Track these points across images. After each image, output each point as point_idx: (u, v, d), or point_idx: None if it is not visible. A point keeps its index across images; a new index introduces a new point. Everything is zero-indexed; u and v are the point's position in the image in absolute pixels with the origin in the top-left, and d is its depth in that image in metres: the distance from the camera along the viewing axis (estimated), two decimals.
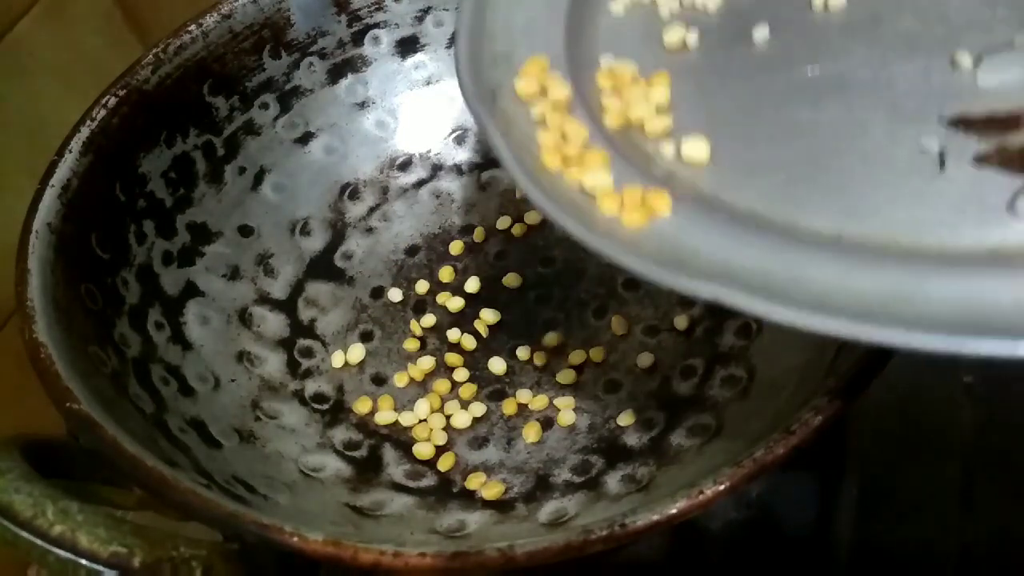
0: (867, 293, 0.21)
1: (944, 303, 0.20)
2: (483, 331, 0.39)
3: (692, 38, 0.28)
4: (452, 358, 0.38)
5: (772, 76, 0.26)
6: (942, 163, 0.23)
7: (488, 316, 0.39)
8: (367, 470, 0.35)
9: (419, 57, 0.43)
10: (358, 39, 0.42)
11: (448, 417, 0.36)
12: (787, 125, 0.25)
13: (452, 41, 0.43)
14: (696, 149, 0.25)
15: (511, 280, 0.40)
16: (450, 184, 0.43)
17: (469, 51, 0.28)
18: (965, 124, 0.24)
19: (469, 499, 0.33)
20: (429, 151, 0.44)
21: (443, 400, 0.37)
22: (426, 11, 0.43)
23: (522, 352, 0.38)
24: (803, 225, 0.23)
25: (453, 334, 0.39)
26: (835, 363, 0.29)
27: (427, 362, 0.38)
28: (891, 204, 0.23)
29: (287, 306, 0.40)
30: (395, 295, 0.40)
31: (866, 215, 0.23)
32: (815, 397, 0.26)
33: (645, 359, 0.36)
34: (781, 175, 0.24)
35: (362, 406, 0.37)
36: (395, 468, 0.35)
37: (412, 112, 0.44)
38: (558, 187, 0.24)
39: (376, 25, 0.42)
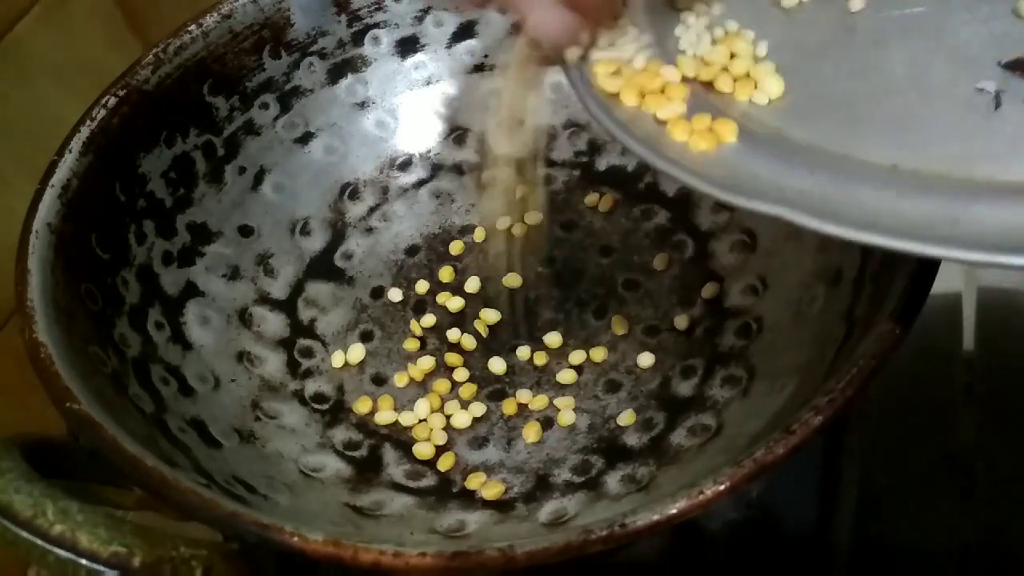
0: (916, 215, 0.22)
1: (989, 225, 0.21)
2: (483, 331, 0.39)
3: None
4: (452, 358, 0.38)
5: (840, 22, 0.28)
6: (998, 103, 0.24)
7: (488, 316, 0.39)
8: (367, 470, 0.35)
9: (419, 57, 0.43)
10: (358, 39, 0.42)
11: (448, 417, 0.36)
12: (852, 66, 0.27)
13: (452, 40, 0.43)
14: (771, 86, 0.26)
15: (511, 280, 0.40)
16: (450, 184, 0.43)
17: None
18: (1022, 67, 0.25)
19: (469, 499, 0.33)
20: (429, 151, 0.44)
21: (443, 400, 0.37)
22: (426, 11, 0.43)
23: (522, 352, 0.38)
24: (860, 156, 0.24)
25: (453, 334, 0.39)
26: (835, 363, 0.29)
27: (427, 362, 0.38)
28: (946, 139, 0.24)
29: (287, 306, 0.40)
30: (395, 295, 0.40)
31: (921, 148, 0.24)
32: (815, 397, 0.26)
33: (645, 359, 0.36)
34: (843, 112, 0.25)
35: (362, 406, 0.37)
36: (395, 468, 0.35)
37: (412, 112, 0.44)
38: (630, 117, 0.26)
39: (376, 25, 0.42)
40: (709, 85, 0.27)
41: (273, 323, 0.39)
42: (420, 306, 0.40)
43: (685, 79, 0.27)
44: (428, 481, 0.34)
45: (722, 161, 0.24)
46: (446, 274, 0.41)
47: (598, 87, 0.27)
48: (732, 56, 0.27)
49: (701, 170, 0.24)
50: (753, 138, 0.25)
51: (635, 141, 0.25)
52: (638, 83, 0.27)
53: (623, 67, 0.27)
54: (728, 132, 0.25)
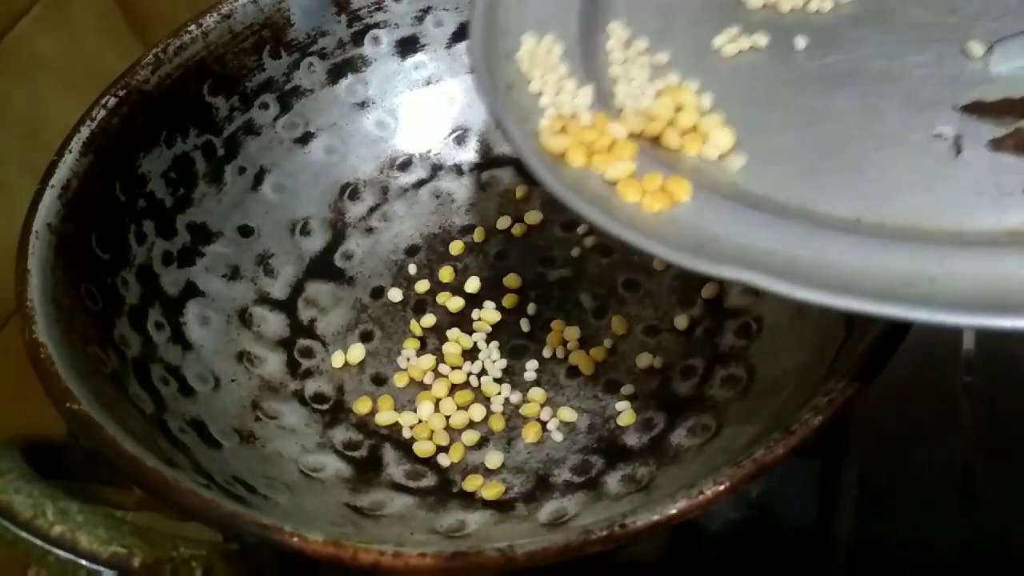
0: (888, 273, 0.21)
1: (965, 281, 0.20)
2: (483, 331, 0.39)
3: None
4: (452, 358, 0.38)
5: (786, 67, 0.27)
6: (958, 148, 0.23)
7: (489, 316, 0.39)
8: (367, 470, 0.35)
9: (419, 57, 0.43)
10: (358, 39, 0.42)
11: (448, 417, 0.36)
12: (803, 114, 0.26)
13: (452, 40, 0.43)
14: (721, 138, 0.25)
15: (511, 280, 0.40)
16: (450, 184, 0.43)
17: (483, 47, 0.28)
18: (980, 110, 0.24)
19: (469, 499, 0.33)
20: (429, 151, 0.44)
21: (443, 400, 0.37)
22: (426, 11, 0.43)
23: (522, 352, 0.38)
24: (821, 210, 0.23)
25: (453, 334, 0.39)
26: (835, 363, 0.29)
27: (427, 362, 0.38)
28: (908, 189, 0.23)
29: (287, 306, 0.40)
30: (395, 295, 0.40)
31: (884, 200, 0.23)
32: (815, 397, 0.26)
33: (645, 359, 0.36)
34: (798, 162, 0.24)
35: (362, 406, 0.37)
36: (395, 468, 0.35)
37: (412, 112, 0.44)
38: (578, 178, 0.25)
39: (376, 25, 0.42)
40: (656, 140, 0.26)
41: (273, 323, 0.39)
42: (420, 306, 0.40)
43: (633, 135, 0.26)
44: (428, 481, 0.34)
45: (678, 222, 0.23)
46: (446, 274, 0.41)
47: (544, 147, 0.25)
48: (678, 109, 0.26)
49: (658, 234, 0.23)
50: (708, 196, 0.24)
51: (585, 204, 0.24)
52: (585, 141, 0.25)
53: (568, 124, 0.26)
54: (681, 191, 0.24)
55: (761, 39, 0.28)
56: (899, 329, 0.27)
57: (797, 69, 0.26)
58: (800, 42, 0.27)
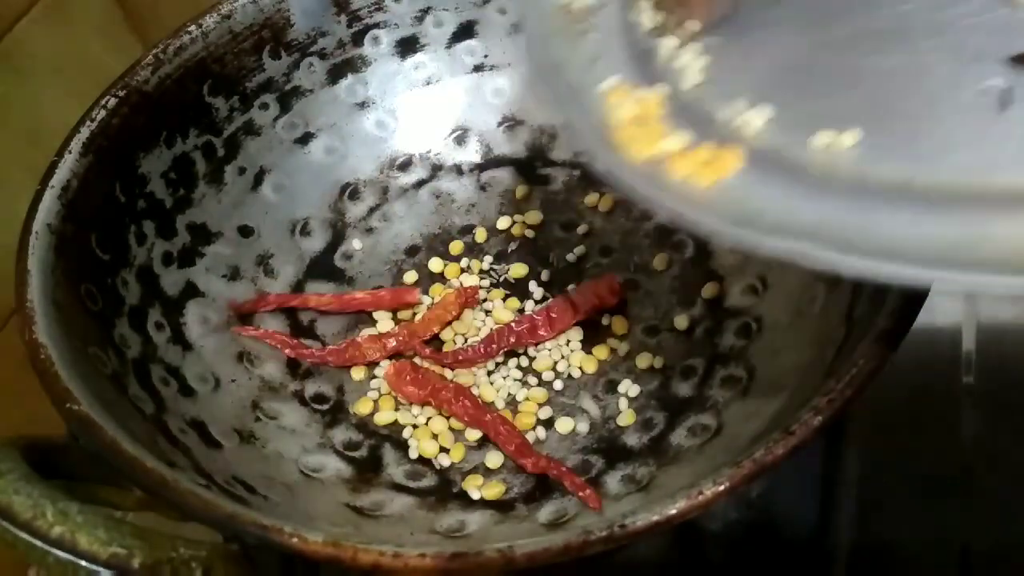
0: (938, 238, 0.21)
1: (1014, 244, 0.20)
2: (483, 331, 0.39)
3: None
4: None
5: (826, 27, 0.26)
6: (1008, 102, 0.23)
7: (495, 315, 0.39)
8: (367, 470, 0.35)
9: (419, 57, 0.43)
10: (358, 39, 0.42)
11: (448, 418, 0.36)
12: (847, 75, 0.25)
13: (452, 40, 0.43)
14: (757, 116, 0.24)
15: (511, 280, 0.40)
16: (450, 184, 0.43)
17: (536, 27, 0.27)
18: None
19: (469, 499, 0.33)
20: (429, 151, 0.44)
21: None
22: (426, 11, 0.43)
23: (522, 352, 0.38)
24: (871, 174, 0.22)
25: (453, 334, 0.38)
26: (835, 363, 0.29)
27: (428, 362, 0.38)
28: (958, 147, 0.23)
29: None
30: None
31: (934, 159, 0.22)
32: (815, 397, 0.26)
33: (645, 359, 0.36)
34: (847, 127, 0.24)
35: (362, 407, 0.37)
36: (395, 468, 0.35)
37: (412, 112, 0.44)
38: (629, 156, 0.24)
39: (376, 25, 0.42)
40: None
41: (273, 324, 0.39)
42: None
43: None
44: (428, 481, 0.34)
45: (728, 193, 0.23)
46: (446, 274, 0.41)
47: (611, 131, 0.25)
48: None
49: (708, 206, 0.22)
50: (758, 165, 0.23)
51: (637, 179, 0.23)
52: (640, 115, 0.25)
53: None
54: (733, 161, 0.23)
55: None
56: (899, 328, 0.27)
57: (838, 30, 0.26)
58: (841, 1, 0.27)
